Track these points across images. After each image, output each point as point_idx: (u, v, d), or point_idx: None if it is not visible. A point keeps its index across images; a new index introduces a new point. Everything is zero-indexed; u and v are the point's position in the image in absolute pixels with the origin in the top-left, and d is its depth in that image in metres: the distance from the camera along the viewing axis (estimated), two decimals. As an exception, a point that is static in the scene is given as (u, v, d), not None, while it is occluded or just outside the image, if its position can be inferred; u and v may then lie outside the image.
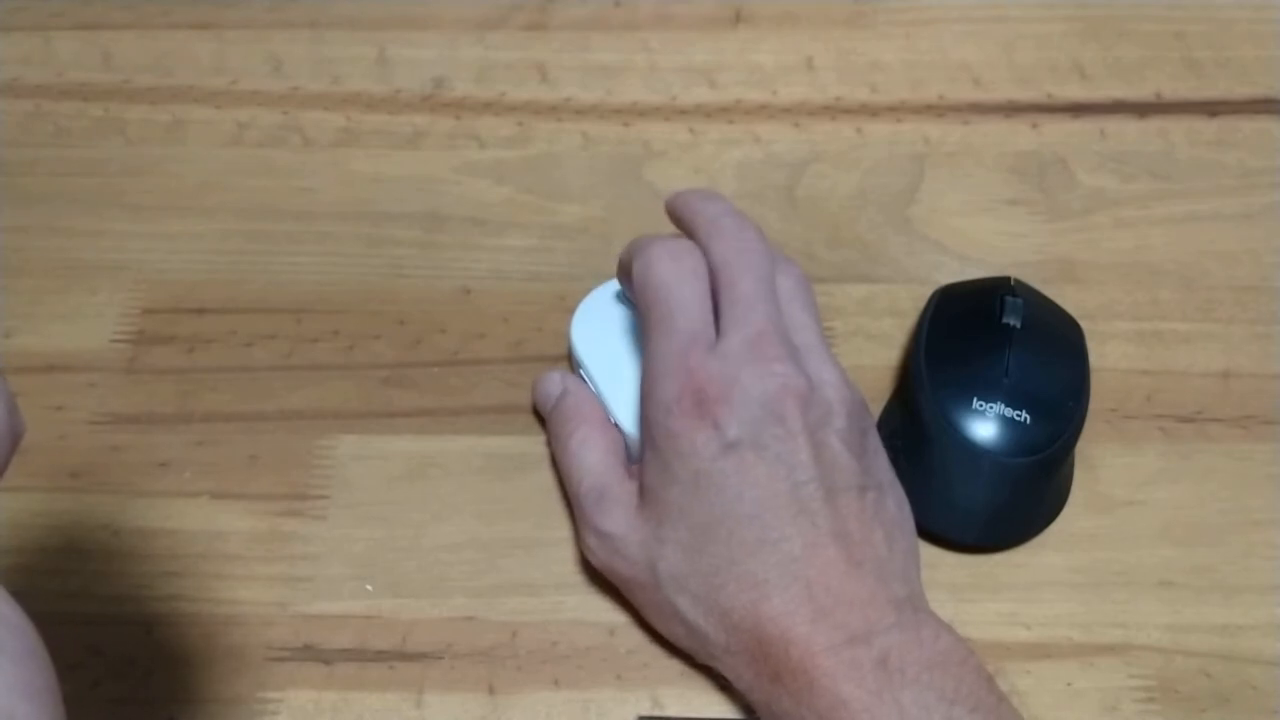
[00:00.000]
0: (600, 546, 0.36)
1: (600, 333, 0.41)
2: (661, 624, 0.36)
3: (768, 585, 0.33)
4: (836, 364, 0.36)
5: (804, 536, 0.33)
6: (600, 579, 0.38)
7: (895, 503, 0.36)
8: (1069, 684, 0.37)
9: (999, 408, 0.38)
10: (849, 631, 0.32)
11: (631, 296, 0.39)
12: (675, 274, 0.36)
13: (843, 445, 0.35)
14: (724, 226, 0.37)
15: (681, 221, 0.39)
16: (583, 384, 0.40)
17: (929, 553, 0.38)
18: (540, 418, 0.41)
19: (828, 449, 0.34)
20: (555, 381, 0.40)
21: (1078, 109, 0.49)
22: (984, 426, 0.38)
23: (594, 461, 0.38)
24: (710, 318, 0.36)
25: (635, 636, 0.37)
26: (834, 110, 0.49)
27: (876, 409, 0.41)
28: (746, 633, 0.33)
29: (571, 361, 0.42)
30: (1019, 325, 0.39)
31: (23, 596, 0.22)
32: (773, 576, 0.33)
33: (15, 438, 0.24)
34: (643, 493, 0.36)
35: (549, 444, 0.40)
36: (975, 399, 0.38)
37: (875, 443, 0.37)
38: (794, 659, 0.32)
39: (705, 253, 0.37)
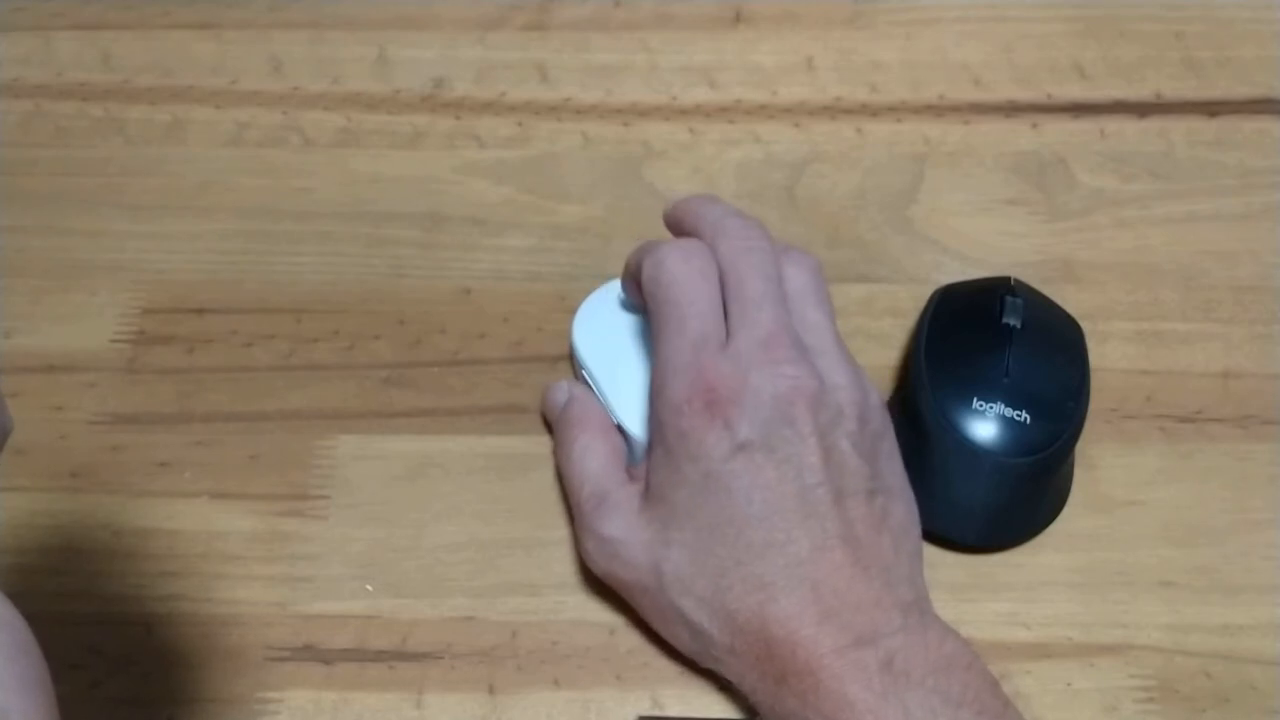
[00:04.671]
0: (599, 551, 0.36)
1: (602, 333, 0.41)
2: (664, 628, 0.36)
3: (774, 587, 0.33)
4: (850, 363, 0.36)
5: (812, 539, 0.33)
6: (601, 579, 0.38)
7: (904, 508, 0.36)
8: (1069, 684, 0.36)
9: (999, 408, 0.38)
10: (855, 634, 0.32)
11: (635, 299, 0.39)
12: (686, 273, 0.36)
13: (852, 448, 0.34)
14: (729, 227, 0.37)
15: (684, 226, 0.39)
16: (588, 392, 0.40)
17: (929, 553, 0.38)
18: (546, 423, 0.41)
19: (837, 451, 0.34)
20: (562, 390, 0.40)
21: (1078, 109, 0.49)
22: (984, 426, 0.38)
23: (595, 468, 0.37)
24: (721, 318, 0.36)
25: (635, 636, 0.37)
26: (834, 110, 0.49)
27: (876, 409, 0.41)
28: (752, 634, 0.33)
29: (573, 362, 0.42)
30: (1019, 325, 0.39)
31: (23, 596, 0.22)
32: (779, 579, 0.33)
33: (3, 435, 0.24)
34: (648, 494, 0.36)
35: (555, 451, 0.40)
36: (975, 399, 0.38)
37: (890, 446, 0.36)
38: (800, 660, 0.32)
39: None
